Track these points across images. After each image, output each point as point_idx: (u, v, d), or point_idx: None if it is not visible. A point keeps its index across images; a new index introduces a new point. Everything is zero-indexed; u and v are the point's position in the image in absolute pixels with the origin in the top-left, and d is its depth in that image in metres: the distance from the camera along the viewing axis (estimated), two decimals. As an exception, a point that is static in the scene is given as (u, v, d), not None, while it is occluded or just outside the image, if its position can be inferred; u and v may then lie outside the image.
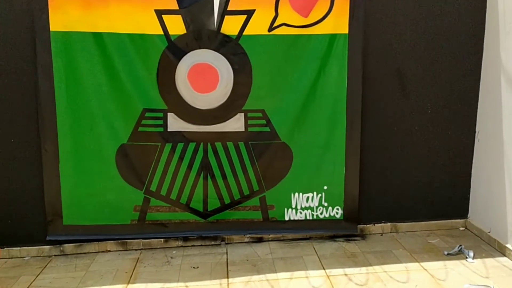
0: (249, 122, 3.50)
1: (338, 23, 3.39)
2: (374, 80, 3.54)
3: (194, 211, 3.60)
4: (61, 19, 3.20)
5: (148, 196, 3.53)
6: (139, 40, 3.29)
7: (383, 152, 3.68)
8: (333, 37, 3.41)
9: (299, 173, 3.60)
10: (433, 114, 3.64)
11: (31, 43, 3.22)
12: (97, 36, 3.25)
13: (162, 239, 3.61)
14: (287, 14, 3.34)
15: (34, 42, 3.21)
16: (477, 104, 3.66)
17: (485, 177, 3.61)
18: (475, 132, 3.71)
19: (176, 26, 3.29)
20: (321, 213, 3.66)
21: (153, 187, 3.53)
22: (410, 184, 3.75)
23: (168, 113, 3.44)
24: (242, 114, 3.48)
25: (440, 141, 3.69)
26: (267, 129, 3.52)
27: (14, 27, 3.21)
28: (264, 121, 3.51)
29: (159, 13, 3.26)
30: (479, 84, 3.63)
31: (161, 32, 3.29)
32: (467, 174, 3.77)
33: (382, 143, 3.66)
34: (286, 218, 3.66)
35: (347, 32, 3.40)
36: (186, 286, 3.01)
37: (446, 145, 3.70)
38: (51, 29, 3.20)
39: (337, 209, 3.66)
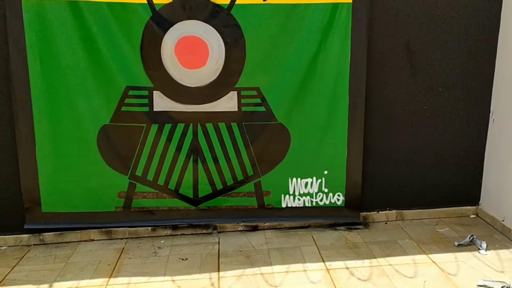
0: (243, 101, 3.21)
1: (341, -10, 3.07)
2: (380, 56, 3.23)
3: (184, 198, 3.34)
4: (34, -14, 2.88)
5: (133, 182, 3.27)
6: (120, 9, 2.97)
7: (388, 133, 3.39)
8: (335, 6, 3.08)
9: (298, 156, 3.33)
10: (444, 93, 3.34)
11: (1, 13, 2.89)
12: (73, 5, 2.93)
13: (149, 228, 3.36)
14: (285, -19, 3.01)
15: (4, 12, 2.88)
16: (492, 82, 3.35)
17: (499, 160, 3.32)
18: (489, 112, 3.40)
19: (161, -7, 2.97)
20: (321, 200, 3.41)
21: (138, 172, 3.26)
22: (418, 168, 3.48)
23: (154, 91, 3.15)
24: (235, 92, 3.19)
25: (451, 121, 3.40)
26: (262, 108, 3.23)
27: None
28: (259, 100, 3.22)
29: (142, -21, 2.94)
30: (494, 61, 3.32)
31: (145, 1, 2.97)
32: (480, 157, 3.49)
33: (387, 124, 3.37)
34: (283, 205, 3.40)
35: (350, 1, 3.07)
36: (173, 280, 2.76)
37: (457, 126, 3.42)
38: (22, -3, 2.89)
39: (338, 195, 3.40)
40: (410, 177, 3.48)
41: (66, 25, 2.96)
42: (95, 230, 3.32)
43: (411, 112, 3.36)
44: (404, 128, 3.39)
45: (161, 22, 3.03)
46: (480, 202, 3.57)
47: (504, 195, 3.26)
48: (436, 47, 3.25)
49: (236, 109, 3.21)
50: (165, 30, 3.04)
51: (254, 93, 3.21)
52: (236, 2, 3.02)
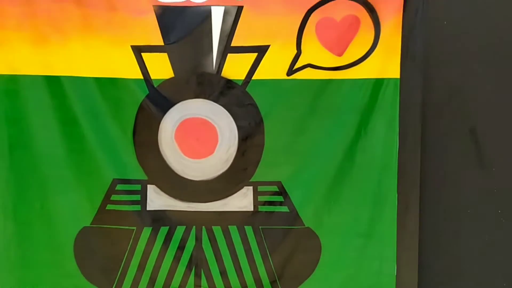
0: (260, 198, 2.58)
1: (386, 63, 2.49)
2: (438, 144, 2.61)
3: (183, 321, 2.63)
4: (6, 58, 2.42)
5: (118, 300, 2.59)
6: (109, 86, 2.46)
7: (452, 244, 2.70)
8: (378, 82, 2.49)
9: (331, 271, 2.61)
10: (526, 192, 2.62)
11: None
12: (53, 81, 2.44)
13: None
14: (314, 52, 2.46)
15: (-35, 89, 2.42)
16: None
17: None
18: None
19: (161, 67, 2.46)
20: (362, 331, 2.64)
21: (125, 287, 2.59)
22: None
23: (148, 185, 2.55)
24: (250, 187, 2.57)
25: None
26: (285, 208, 2.58)
27: None
28: (280, 198, 2.58)
29: (138, 51, 2.44)
30: None
31: (140, 76, 2.46)
32: None
33: (450, 231, 2.69)
34: (312, 336, 2.64)
35: (398, 76, 2.49)
36: None
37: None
38: (-9, 72, 2.42)
39: (386, 326, 2.63)
40: (480, 300, 2.69)
41: (43, 105, 2.46)
42: None
43: (482, 218, 2.65)
44: (473, 237, 2.68)
45: (160, 101, 2.49)
46: None
47: None
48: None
49: (252, 209, 2.58)
50: (164, 111, 2.50)
51: (275, 188, 2.58)
52: (253, 77, 2.48)
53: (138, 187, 2.54)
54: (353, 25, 2.45)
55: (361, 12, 2.44)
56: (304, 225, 2.58)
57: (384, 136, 2.53)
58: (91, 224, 2.53)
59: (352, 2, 2.43)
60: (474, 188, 2.64)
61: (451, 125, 2.59)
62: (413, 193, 2.55)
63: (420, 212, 2.56)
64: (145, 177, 2.54)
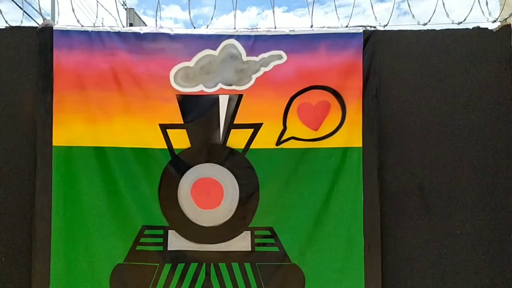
0: (256, 240, 3.20)
1: (351, 136, 3.20)
2: (393, 198, 3.22)
3: None
4: (65, 134, 3.16)
5: (142, 325, 3.15)
6: (142, 154, 3.18)
7: (408, 278, 3.23)
8: (345, 151, 3.19)
9: None
10: (463, 236, 3.22)
11: (32, 159, 3.15)
12: (99, 151, 3.16)
13: None
14: (296, 128, 3.19)
15: (34, 159, 3.13)
16: (514, 223, 3.24)
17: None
18: (514, 255, 3.23)
19: (181, 140, 3.19)
20: None
21: None
22: (443, 315, 3.23)
23: (169, 231, 3.20)
24: (249, 232, 3.20)
25: (472, 267, 3.22)
26: (276, 249, 3.19)
27: (16, 143, 3.20)
28: (272, 240, 3.20)
29: (164, 128, 3.18)
30: (515, 201, 3.24)
31: (165, 146, 3.18)
32: (510, 305, 3.23)
33: (407, 268, 3.22)
34: None
35: (361, 145, 3.19)
36: None
37: (480, 272, 3.22)
38: (53, 144, 3.14)
39: None
40: (435, 325, 3.22)
41: (90, 168, 3.16)
42: None
43: (430, 256, 3.21)
44: (425, 272, 3.22)
45: (179, 165, 3.19)
46: None
47: None
48: (450, 187, 3.22)
49: (250, 249, 3.19)
50: (182, 173, 3.19)
51: (268, 233, 3.20)
52: (250, 147, 3.19)
53: (161, 231, 3.18)
54: (325, 108, 3.19)
55: (331, 98, 3.19)
56: (291, 262, 3.16)
57: (352, 193, 3.17)
58: (124, 261, 3.15)
59: (324, 91, 3.19)
60: (423, 232, 3.19)
61: (402, 182, 3.20)
62: (375, 238, 3.13)
63: (382, 252, 3.15)
64: (167, 224, 3.18)
